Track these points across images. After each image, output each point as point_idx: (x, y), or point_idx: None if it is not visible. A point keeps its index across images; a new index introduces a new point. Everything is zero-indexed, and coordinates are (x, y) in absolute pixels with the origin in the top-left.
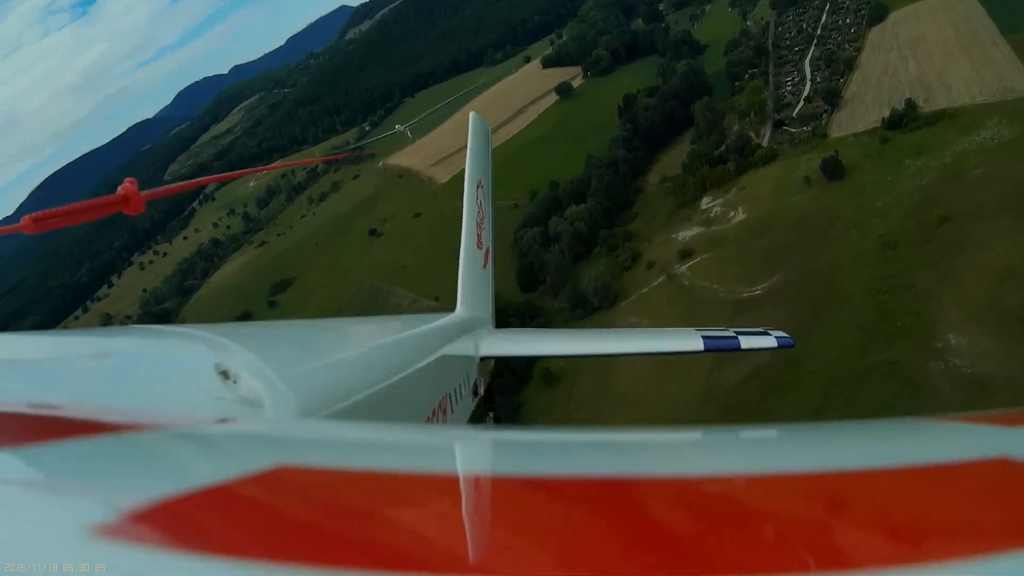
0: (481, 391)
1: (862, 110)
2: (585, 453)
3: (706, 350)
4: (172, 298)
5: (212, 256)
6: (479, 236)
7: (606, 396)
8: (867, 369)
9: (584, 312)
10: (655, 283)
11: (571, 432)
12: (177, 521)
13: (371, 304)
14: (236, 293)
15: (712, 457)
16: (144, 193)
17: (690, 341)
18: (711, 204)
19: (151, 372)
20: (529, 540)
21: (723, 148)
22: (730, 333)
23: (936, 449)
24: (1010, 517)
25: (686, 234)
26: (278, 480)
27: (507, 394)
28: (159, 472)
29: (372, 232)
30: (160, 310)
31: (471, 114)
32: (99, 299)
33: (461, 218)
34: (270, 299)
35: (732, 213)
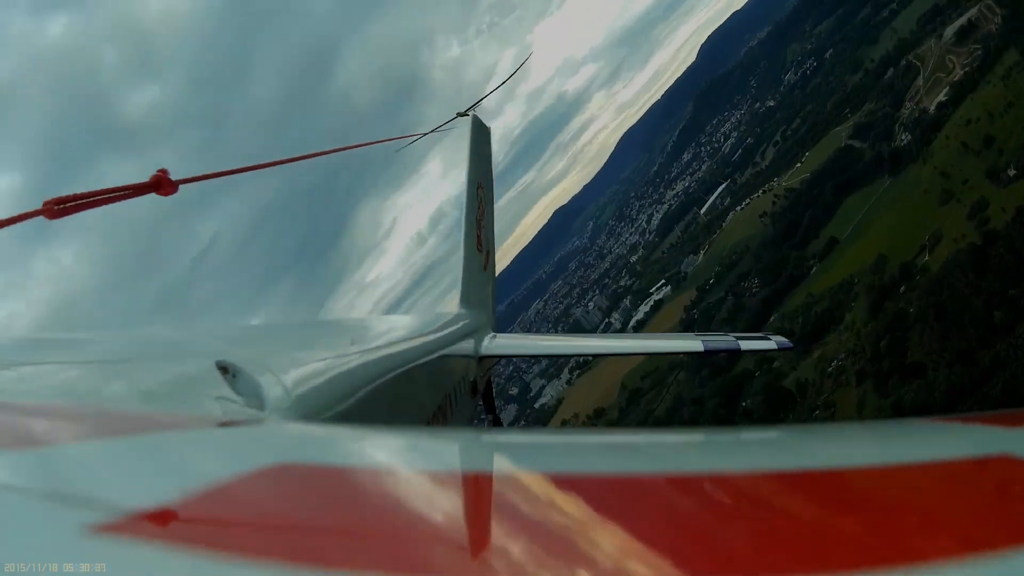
0: (481, 390)
1: None
2: (586, 453)
3: (705, 352)
4: None
5: None
6: (479, 238)
7: None
8: None
9: None
10: None
11: (572, 434)
12: (177, 521)
13: None
14: None
15: (712, 457)
16: (177, 180)
17: (689, 343)
18: None
19: (152, 372)
20: (529, 540)
21: None
22: (730, 337)
23: (937, 449)
24: (1012, 516)
25: None
26: (278, 480)
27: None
28: (159, 472)
29: None
30: None
31: (471, 115)
32: None
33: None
34: None
35: None
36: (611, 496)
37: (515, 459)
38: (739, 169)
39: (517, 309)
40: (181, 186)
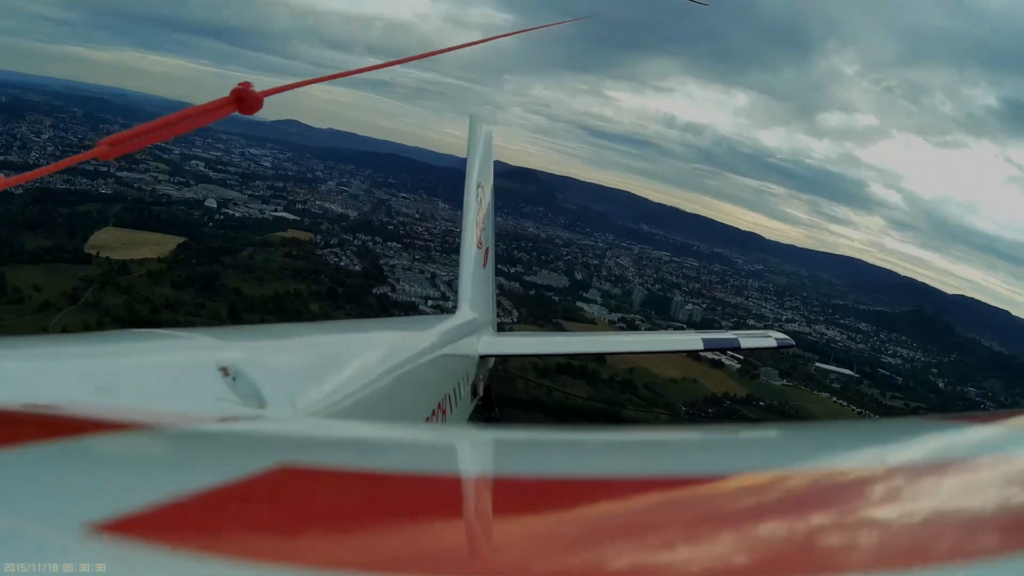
0: (481, 390)
1: None
2: (586, 453)
3: (705, 350)
4: None
5: None
6: (479, 236)
7: None
8: None
9: None
10: None
11: (573, 432)
12: (177, 521)
13: None
14: None
15: (712, 456)
16: (261, 91)
17: (689, 341)
18: None
19: (152, 372)
20: (529, 540)
21: None
22: (730, 335)
23: (937, 449)
24: (1012, 516)
25: None
26: (279, 479)
27: None
28: (160, 471)
29: None
30: None
31: (471, 114)
32: None
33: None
34: None
35: None
36: (611, 495)
37: (515, 458)
38: None
39: None
40: (265, 99)
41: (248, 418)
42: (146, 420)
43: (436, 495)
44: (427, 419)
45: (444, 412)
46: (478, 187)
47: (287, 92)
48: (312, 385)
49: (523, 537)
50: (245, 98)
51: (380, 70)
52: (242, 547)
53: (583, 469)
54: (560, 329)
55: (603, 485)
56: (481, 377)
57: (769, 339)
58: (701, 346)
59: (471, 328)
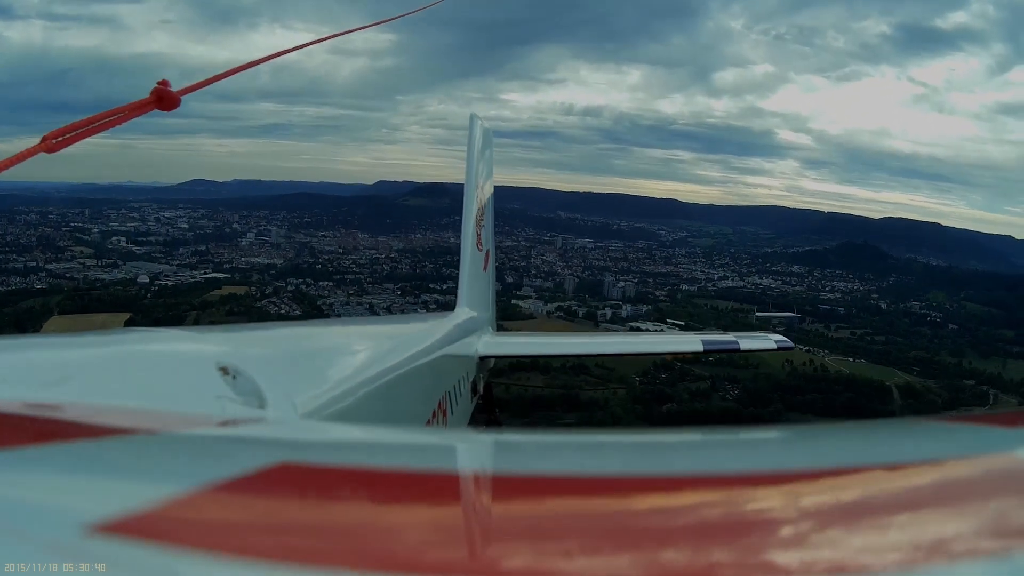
0: (481, 390)
1: None
2: (586, 454)
3: (705, 351)
4: None
5: None
6: (479, 237)
7: None
8: None
9: None
10: None
11: (572, 435)
12: (178, 521)
13: None
14: None
15: (712, 457)
16: (178, 90)
17: (689, 343)
18: None
19: (152, 372)
20: (529, 540)
21: None
22: (730, 337)
23: (937, 449)
24: (1012, 516)
25: None
26: (279, 479)
27: None
28: (160, 472)
29: None
30: None
31: (471, 115)
32: None
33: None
34: None
35: None
36: (611, 496)
37: (515, 459)
38: None
39: None
40: (183, 97)
41: (248, 418)
42: (146, 420)
43: (436, 495)
44: (428, 418)
45: (444, 412)
46: (478, 187)
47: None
48: (312, 385)
49: (523, 537)
50: (164, 97)
51: (263, 63)
52: (242, 547)
53: (583, 469)
54: (503, 329)
55: (603, 485)
56: (481, 377)
57: (768, 341)
58: (701, 348)
59: (471, 327)
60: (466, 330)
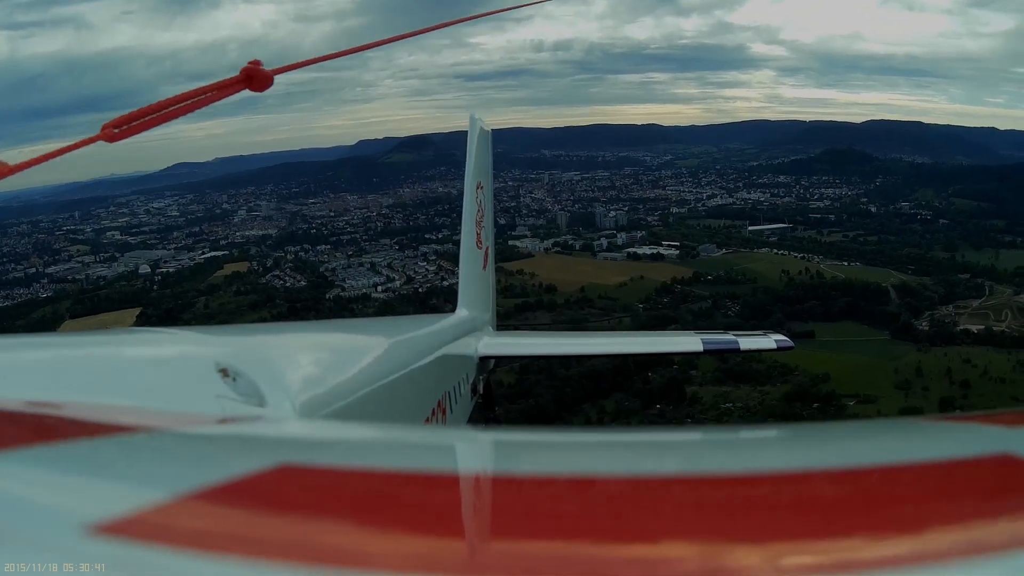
0: (480, 390)
1: None
2: (585, 453)
3: (705, 351)
4: None
5: None
6: (479, 236)
7: None
8: None
9: None
10: None
11: (571, 433)
12: (178, 521)
13: None
14: None
15: (712, 456)
16: (271, 70)
17: (689, 343)
18: None
19: (152, 372)
20: (529, 540)
21: None
22: (730, 336)
23: (937, 449)
24: (1013, 516)
25: None
26: (279, 479)
27: None
28: (160, 472)
29: None
30: None
31: (471, 115)
32: None
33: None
34: None
35: None
36: (611, 495)
37: (515, 458)
38: None
39: None
40: (276, 78)
41: (248, 418)
42: (146, 419)
43: (436, 495)
44: (427, 418)
45: (444, 411)
46: (478, 187)
47: (295, 72)
48: (312, 385)
49: (523, 537)
50: (255, 76)
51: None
52: (242, 547)
53: (583, 468)
54: (504, 262)
55: (603, 485)
56: (481, 377)
57: (768, 340)
58: (701, 347)
59: (471, 327)
60: (466, 330)
